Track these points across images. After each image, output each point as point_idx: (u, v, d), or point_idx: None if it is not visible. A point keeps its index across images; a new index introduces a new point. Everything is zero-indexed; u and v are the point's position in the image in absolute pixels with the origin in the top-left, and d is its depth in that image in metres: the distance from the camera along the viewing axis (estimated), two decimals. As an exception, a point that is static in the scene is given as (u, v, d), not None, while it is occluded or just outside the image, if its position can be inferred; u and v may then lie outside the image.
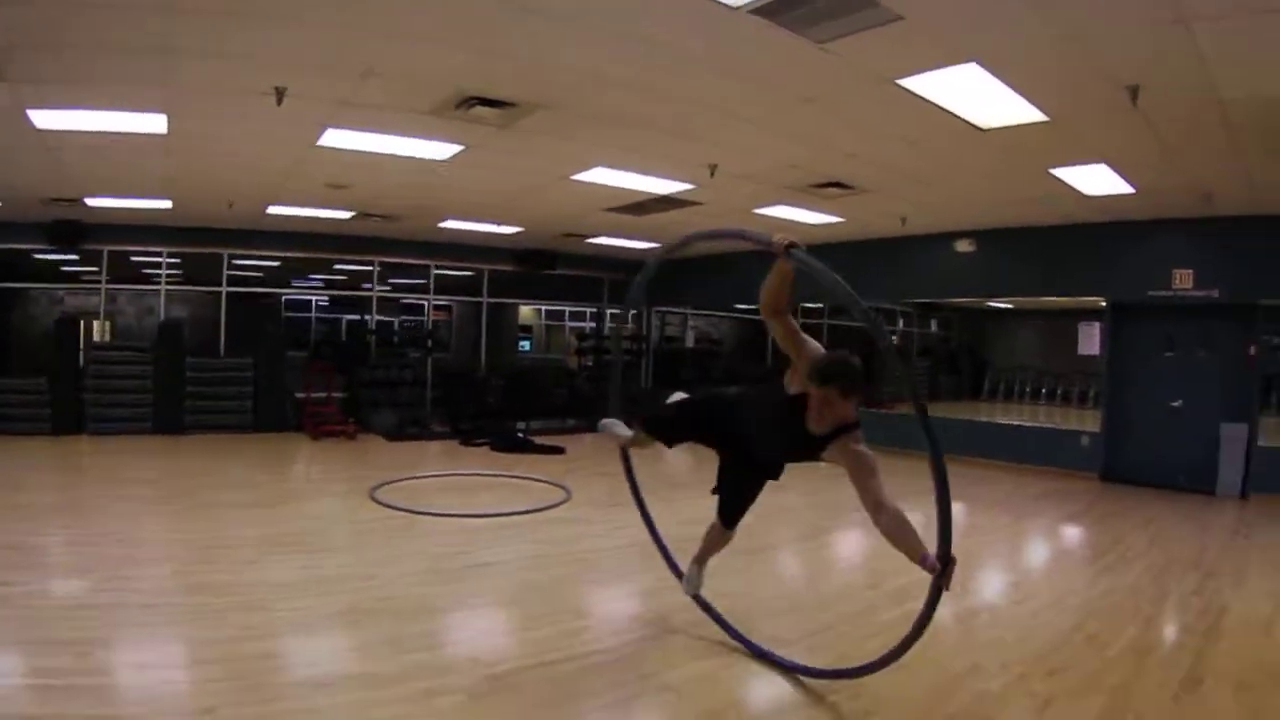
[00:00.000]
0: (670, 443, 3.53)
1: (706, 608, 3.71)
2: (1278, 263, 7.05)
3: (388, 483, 6.63)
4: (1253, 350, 7.42)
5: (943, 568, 2.58)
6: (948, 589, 2.66)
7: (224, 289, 9.86)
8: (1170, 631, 4.19)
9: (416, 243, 10.42)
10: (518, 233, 9.65)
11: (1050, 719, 3.07)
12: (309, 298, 11.18)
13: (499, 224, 9.30)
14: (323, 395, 9.44)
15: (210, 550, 4.58)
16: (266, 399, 9.40)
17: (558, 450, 8.75)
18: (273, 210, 8.44)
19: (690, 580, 3.67)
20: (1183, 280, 7.62)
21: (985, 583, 5.03)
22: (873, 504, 2.70)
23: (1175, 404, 7.81)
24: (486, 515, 5.73)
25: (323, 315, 11.18)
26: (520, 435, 9.10)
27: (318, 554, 4.65)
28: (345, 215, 8.75)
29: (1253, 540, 6.05)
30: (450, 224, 9.32)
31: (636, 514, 4.10)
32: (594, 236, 10.00)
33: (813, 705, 3.06)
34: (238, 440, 8.83)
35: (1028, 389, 10.06)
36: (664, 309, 12.52)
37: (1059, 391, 9.72)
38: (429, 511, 5.70)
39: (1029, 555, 6.02)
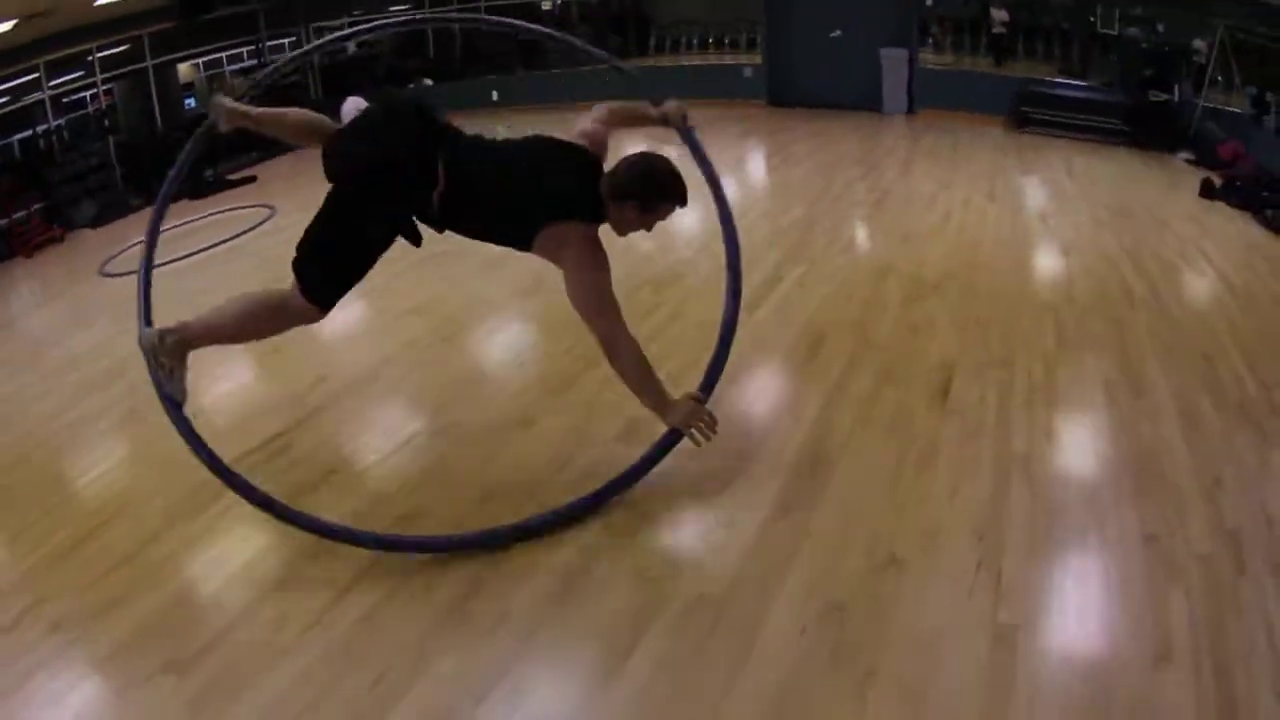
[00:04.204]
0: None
1: None
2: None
3: (112, 261, 6.34)
4: None
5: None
6: (707, 437, 2.05)
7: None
8: (838, 206, 4.75)
9: (78, 29, 9.43)
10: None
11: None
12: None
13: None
14: (23, 213, 8.92)
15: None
16: (-33, 241, 8.48)
17: (250, 180, 8.97)
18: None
19: (170, 374, 2.20)
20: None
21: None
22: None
23: (834, 34, 8.39)
24: (195, 253, 5.74)
25: (7, 139, 9.77)
26: (209, 179, 8.99)
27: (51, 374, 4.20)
28: (7, 26, 7.91)
29: (918, 143, 6.52)
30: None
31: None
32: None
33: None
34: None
35: (694, 41, 10.46)
36: (322, 24, 11.85)
37: (726, 40, 10.27)
38: (125, 272, 5.54)
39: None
